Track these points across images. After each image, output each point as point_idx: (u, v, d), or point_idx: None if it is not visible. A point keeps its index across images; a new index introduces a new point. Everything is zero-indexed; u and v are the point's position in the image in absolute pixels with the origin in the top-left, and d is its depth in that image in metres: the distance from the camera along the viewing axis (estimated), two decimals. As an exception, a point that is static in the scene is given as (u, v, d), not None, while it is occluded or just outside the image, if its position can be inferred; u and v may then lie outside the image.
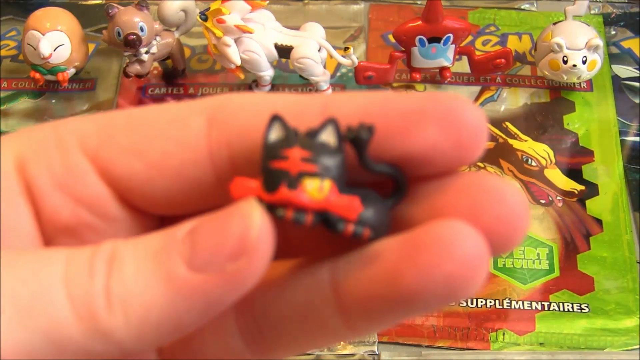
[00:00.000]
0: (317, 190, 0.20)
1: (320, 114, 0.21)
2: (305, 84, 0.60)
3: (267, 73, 0.56)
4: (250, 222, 0.19)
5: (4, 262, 0.19)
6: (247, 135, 0.22)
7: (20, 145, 0.22)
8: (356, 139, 0.20)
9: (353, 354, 0.45)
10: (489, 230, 0.19)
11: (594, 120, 0.56)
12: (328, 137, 0.20)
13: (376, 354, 0.45)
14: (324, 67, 0.55)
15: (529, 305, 0.47)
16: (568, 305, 0.47)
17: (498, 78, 0.59)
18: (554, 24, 0.56)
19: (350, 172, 0.21)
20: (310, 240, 0.24)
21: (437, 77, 0.59)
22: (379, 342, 0.45)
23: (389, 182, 0.22)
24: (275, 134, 0.21)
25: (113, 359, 0.19)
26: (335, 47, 0.55)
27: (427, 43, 0.55)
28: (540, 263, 0.49)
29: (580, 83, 0.58)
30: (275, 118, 0.21)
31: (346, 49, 0.55)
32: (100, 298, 0.19)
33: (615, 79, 0.59)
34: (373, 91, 0.22)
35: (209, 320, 0.20)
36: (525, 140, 0.55)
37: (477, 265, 0.19)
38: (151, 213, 0.24)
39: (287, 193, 0.20)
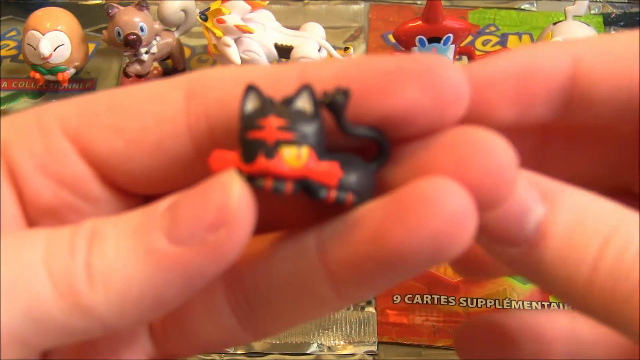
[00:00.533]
0: (294, 157, 0.19)
1: (296, 81, 0.21)
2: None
3: (267, 73, 0.56)
4: (229, 193, 0.19)
5: None
6: (225, 106, 0.22)
7: (3, 131, 0.22)
8: (332, 103, 0.20)
9: (353, 354, 0.45)
10: (475, 186, 0.19)
11: (593, 120, 0.56)
12: (304, 103, 0.20)
13: (376, 354, 0.45)
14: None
15: (529, 305, 0.47)
16: (568, 305, 0.47)
17: (498, 78, 0.59)
18: (554, 24, 0.56)
19: (332, 137, 0.21)
20: (295, 211, 0.24)
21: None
22: (379, 342, 0.45)
23: (372, 146, 0.21)
24: (251, 105, 0.20)
25: (94, 335, 0.19)
26: (335, 47, 0.55)
27: (427, 43, 0.55)
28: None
29: (580, 83, 0.58)
30: (251, 88, 0.20)
31: (346, 49, 0.56)
32: (81, 274, 0.19)
33: (615, 79, 0.59)
34: (351, 58, 0.22)
35: (191, 295, 0.20)
36: (525, 140, 0.55)
37: (463, 222, 0.19)
38: (134, 192, 0.24)
39: (265, 163, 0.19)
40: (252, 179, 0.20)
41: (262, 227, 0.21)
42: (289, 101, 0.20)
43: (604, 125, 0.22)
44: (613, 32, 0.63)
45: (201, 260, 0.19)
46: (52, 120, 0.23)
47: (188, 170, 0.23)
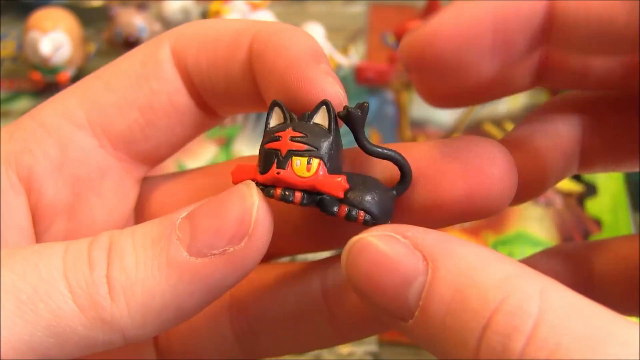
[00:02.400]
0: (304, 168, 0.20)
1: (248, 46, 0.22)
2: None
3: (267, 73, 0.56)
4: (248, 204, 0.19)
5: (2, 259, 0.19)
6: (206, 48, 0.22)
7: (9, 143, 0.23)
8: (348, 116, 0.20)
9: (353, 354, 0.45)
10: (480, 192, 0.20)
11: (593, 120, 0.57)
12: (321, 118, 0.21)
13: (376, 354, 0.45)
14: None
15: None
16: None
17: (498, 78, 0.59)
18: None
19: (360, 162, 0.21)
20: (299, 240, 0.24)
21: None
22: (379, 342, 0.45)
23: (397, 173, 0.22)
24: (275, 120, 0.21)
25: (115, 346, 0.19)
26: (335, 47, 0.55)
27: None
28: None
29: (579, 83, 0.58)
30: (275, 104, 0.21)
31: (346, 49, 0.56)
32: (102, 288, 0.19)
33: (615, 79, 0.59)
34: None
35: (210, 303, 0.20)
36: (525, 141, 0.56)
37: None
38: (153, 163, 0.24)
39: (278, 173, 0.20)
40: (265, 188, 0.20)
41: (269, 253, 0.21)
42: (309, 116, 0.21)
43: (586, 54, 0.21)
44: None
45: (222, 271, 0.19)
46: (58, 120, 0.23)
47: (195, 117, 0.23)
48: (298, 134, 0.20)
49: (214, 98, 0.23)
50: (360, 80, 0.57)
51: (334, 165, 0.20)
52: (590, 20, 0.19)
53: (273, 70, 0.21)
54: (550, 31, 0.19)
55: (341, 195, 0.20)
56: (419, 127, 0.55)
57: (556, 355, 0.15)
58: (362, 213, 0.21)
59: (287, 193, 0.20)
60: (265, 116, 0.21)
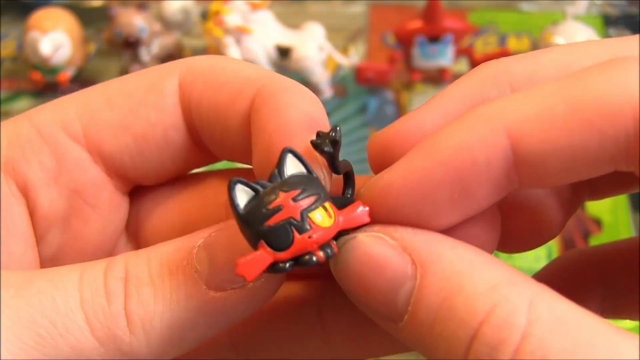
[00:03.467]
0: (326, 217, 0.19)
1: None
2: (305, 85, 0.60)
3: (267, 73, 0.56)
4: None
5: (17, 291, 0.18)
6: (211, 90, 0.22)
7: (6, 150, 0.22)
8: (324, 149, 0.19)
9: (353, 354, 0.45)
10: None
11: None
12: (294, 167, 0.19)
13: (376, 354, 0.45)
14: (324, 67, 0.55)
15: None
16: None
17: (498, 78, 0.59)
18: (554, 24, 0.56)
19: None
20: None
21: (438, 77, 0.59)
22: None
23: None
24: (242, 200, 0.19)
25: None
26: (335, 47, 0.55)
27: (427, 43, 0.55)
28: (539, 263, 0.49)
29: (579, 83, 0.58)
30: (233, 182, 0.19)
31: (346, 49, 0.56)
32: (120, 321, 0.18)
33: (615, 79, 0.59)
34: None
35: (226, 328, 0.20)
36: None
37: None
38: (141, 184, 0.24)
39: (303, 238, 0.18)
40: (297, 260, 0.19)
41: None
42: (278, 174, 0.19)
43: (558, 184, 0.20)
44: (612, 32, 0.63)
45: (242, 303, 0.19)
46: (55, 129, 0.22)
47: (188, 156, 0.23)
48: (296, 192, 0.19)
49: (211, 141, 0.23)
50: (360, 80, 0.57)
51: (332, 199, 0.19)
52: (561, 147, 0.17)
53: (263, 130, 0.20)
54: (518, 172, 0.18)
55: (369, 220, 0.19)
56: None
57: None
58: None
59: (328, 250, 0.19)
60: None
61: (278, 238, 0.18)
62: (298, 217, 0.18)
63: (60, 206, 0.23)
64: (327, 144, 0.19)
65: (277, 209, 0.18)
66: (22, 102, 0.59)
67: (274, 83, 0.21)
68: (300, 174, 0.19)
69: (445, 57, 0.56)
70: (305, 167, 0.19)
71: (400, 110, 0.56)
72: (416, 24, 0.55)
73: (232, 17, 0.53)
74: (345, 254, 0.19)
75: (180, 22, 0.58)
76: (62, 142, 0.22)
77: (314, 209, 0.19)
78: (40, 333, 0.18)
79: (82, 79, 0.59)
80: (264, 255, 0.18)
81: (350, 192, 0.21)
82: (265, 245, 0.18)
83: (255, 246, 0.18)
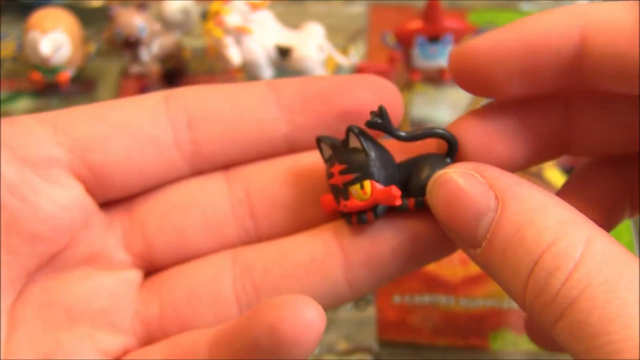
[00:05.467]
0: (360, 193, 0.23)
1: (266, 86, 0.25)
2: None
3: (267, 74, 0.56)
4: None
5: None
6: (203, 100, 0.24)
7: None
8: (373, 127, 0.23)
9: (352, 354, 0.45)
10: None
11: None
12: (354, 143, 0.23)
13: (376, 354, 0.45)
14: (324, 67, 0.55)
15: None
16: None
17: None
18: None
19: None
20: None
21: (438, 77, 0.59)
22: (379, 342, 0.45)
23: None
24: (327, 153, 0.24)
25: None
26: (335, 47, 0.55)
27: (427, 43, 0.55)
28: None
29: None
30: (320, 139, 0.24)
31: (346, 49, 0.56)
32: None
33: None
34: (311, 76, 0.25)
35: None
36: (525, 141, 0.55)
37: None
38: (105, 186, 0.24)
39: (345, 204, 0.23)
40: (344, 215, 0.24)
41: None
42: (344, 144, 0.23)
43: (616, 92, 0.22)
44: None
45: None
46: (39, 158, 0.24)
47: (162, 158, 0.24)
48: (343, 167, 0.23)
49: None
50: (360, 80, 0.57)
51: (385, 173, 0.23)
52: (620, 56, 0.21)
53: None
54: (580, 67, 0.21)
55: (398, 202, 0.23)
56: (419, 126, 0.55)
57: (584, 293, 0.18)
58: (411, 201, 0.23)
59: (363, 217, 0.23)
60: None
61: (333, 194, 0.24)
62: (342, 187, 0.23)
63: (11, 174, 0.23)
64: (373, 118, 0.23)
65: (331, 175, 0.23)
66: (22, 102, 0.59)
67: None
68: (357, 150, 0.23)
69: (445, 57, 0.57)
70: (363, 146, 0.23)
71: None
72: (416, 24, 0.55)
73: (232, 17, 0.53)
74: (438, 187, 0.22)
75: (180, 22, 0.58)
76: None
77: (353, 184, 0.23)
78: None
79: (82, 79, 0.60)
80: (331, 200, 0.24)
81: (450, 155, 0.24)
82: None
83: None
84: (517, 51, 0.21)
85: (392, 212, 0.24)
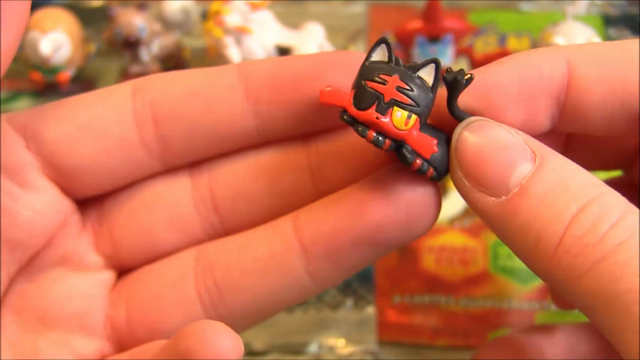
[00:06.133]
0: (403, 121, 0.21)
1: (236, 73, 0.23)
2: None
3: (267, 73, 0.56)
4: None
5: None
6: (168, 97, 0.23)
7: None
8: (454, 82, 0.21)
9: (352, 354, 0.45)
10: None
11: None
12: (427, 75, 0.21)
13: (376, 354, 0.45)
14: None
15: (529, 305, 0.47)
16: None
17: (498, 78, 0.59)
18: (554, 24, 0.56)
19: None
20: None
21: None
22: (378, 342, 0.45)
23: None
24: (378, 56, 0.22)
25: None
26: (335, 47, 0.55)
27: (427, 43, 0.55)
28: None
29: (580, 83, 0.58)
30: (382, 41, 0.22)
31: (346, 49, 0.55)
32: None
33: (615, 79, 0.59)
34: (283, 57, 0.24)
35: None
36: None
37: (431, 196, 0.22)
38: (75, 189, 0.24)
39: (375, 115, 0.21)
40: (356, 124, 0.21)
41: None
42: (414, 68, 0.21)
43: (597, 132, 0.23)
44: (612, 32, 0.63)
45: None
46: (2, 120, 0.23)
47: (130, 158, 0.23)
48: (405, 86, 0.21)
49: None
50: (360, 80, 0.57)
51: (424, 122, 0.22)
52: (607, 97, 0.22)
53: None
54: (571, 96, 0.22)
55: (428, 156, 0.22)
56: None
57: (634, 237, 0.18)
58: (431, 170, 0.22)
59: (380, 138, 0.21)
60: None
61: (362, 97, 0.21)
62: (387, 100, 0.21)
63: None
64: (461, 75, 0.21)
65: (382, 81, 0.21)
66: (22, 102, 0.59)
67: None
68: (425, 82, 0.21)
69: (445, 57, 0.57)
70: (434, 83, 0.22)
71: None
72: (416, 24, 0.55)
73: (232, 17, 0.53)
74: (476, 129, 0.21)
75: (180, 22, 0.58)
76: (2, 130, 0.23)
77: (402, 108, 0.21)
78: None
79: (82, 79, 0.60)
80: (344, 97, 0.21)
81: (452, 102, 0.22)
82: (354, 95, 0.21)
83: (350, 89, 0.21)
84: (514, 79, 0.22)
85: (382, 179, 0.22)
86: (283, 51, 0.54)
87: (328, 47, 0.55)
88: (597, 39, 0.54)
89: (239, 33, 0.53)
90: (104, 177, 0.24)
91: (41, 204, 0.23)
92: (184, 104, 0.23)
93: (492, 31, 0.63)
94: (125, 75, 0.58)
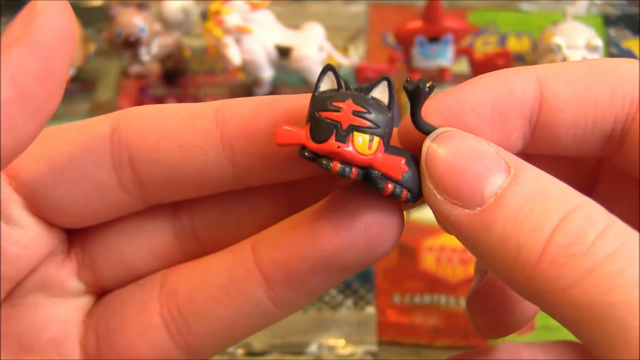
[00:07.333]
0: (366, 145, 0.20)
1: (213, 117, 0.23)
2: (305, 85, 0.60)
3: (267, 74, 0.56)
4: None
5: None
6: (145, 138, 0.23)
7: None
8: (417, 90, 0.20)
9: (353, 354, 0.45)
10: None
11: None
12: (380, 94, 0.21)
13: (376, 354, 0.45)
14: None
15: (529, 305, 0.47)
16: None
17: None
18: (554, 24, 0.56)
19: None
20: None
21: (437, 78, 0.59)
22: (378, 342, 0.45)
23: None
24: (326, 85, 0.21)
25: None
26: (335, 47, 0.55)
27: (427, 43, 0.55)
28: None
29: (580, 83, 0.58)
30: (328, 68, 0.21)
31: (346, 49, 0.56)
32: None
33: (615, 79, 0.59)
34: (262, 97, 0.23)
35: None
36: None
37: (392, 220, 0.22)
38: (58, 224, 0.24)
39: (336, 145, 0.20)
40: (317, 158, 0.20)
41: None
42: (366, 89, 0.21)
43: (568, 153, 0.23)
44: (612, 32, 0.63)
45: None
46: None
47: (109, 200, 0.23)
48: (361, 109, 0.20)
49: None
50: (360, 80, 0.57)
51: (388, 143, 0.21)
52: (577, 116, 0.21)
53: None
54: (542, 115, 0.22)
55: (399, 177, 0.21)
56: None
57: (625, 247, 0.18)
58: (405, 192, 0.21)
59: (347, 169, 0.20)
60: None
61: (319, 129, 0.20)
62: (344, 127, 0.20)
63: None
64: (423, 83, 0.21)
65: (336, 109, 0.20)
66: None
67: None
68: (381, 102, 0.21)
69: (445, 57, 0.57)
70: (390, 100, 0.21)
71: (400, 110, 0.56)
72: (416, 24, 0.55)
73: (232, 17, 0.53)
74: (446, 139, 0.21)
75: (180, 22, 0.58)
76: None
77: (362, 132, 0.20)
78: None
79: (82, 79, 0.60)
80: (300, 133, 0.20)
81: (415, 111, 0.21)
82: (309, 130, 0.20)
83: (305, 124, 0.20)
84: (486, 99, 0.22)
85: (353, 200, 0.22)
86: (283, 51, 0.54)
87: (328, 47, 0.55)
88: (597, 39, 0.54)
89: (239, 33, 0.53)
90: (85, 215, 0.24)
91: (27, 239, 0.23)
92: (159, 149, 0.23)
93: (492, 31, 0.63)
94: (125, 75, 0.58)
